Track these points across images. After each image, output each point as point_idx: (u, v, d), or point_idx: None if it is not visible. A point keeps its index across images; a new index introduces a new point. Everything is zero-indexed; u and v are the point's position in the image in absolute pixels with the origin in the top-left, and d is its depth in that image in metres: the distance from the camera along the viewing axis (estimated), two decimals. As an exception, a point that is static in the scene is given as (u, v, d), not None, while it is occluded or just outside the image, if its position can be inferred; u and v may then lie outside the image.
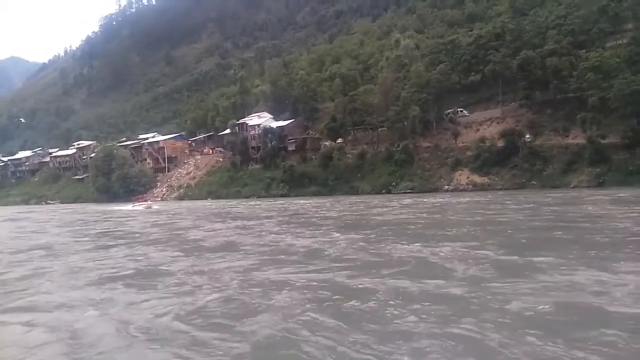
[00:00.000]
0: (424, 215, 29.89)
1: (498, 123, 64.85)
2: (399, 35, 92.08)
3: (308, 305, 9.10)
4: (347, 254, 15.50)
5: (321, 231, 22.69)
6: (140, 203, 67.06)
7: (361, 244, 17.42)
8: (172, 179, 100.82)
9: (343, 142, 78.37)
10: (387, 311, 8.59)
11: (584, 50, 60.53)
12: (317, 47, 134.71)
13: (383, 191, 65.22)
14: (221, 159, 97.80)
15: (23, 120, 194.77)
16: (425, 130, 70.16)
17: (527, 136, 59.34)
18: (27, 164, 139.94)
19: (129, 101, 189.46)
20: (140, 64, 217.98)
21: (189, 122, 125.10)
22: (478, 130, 66.10)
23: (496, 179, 58.93)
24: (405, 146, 68.13)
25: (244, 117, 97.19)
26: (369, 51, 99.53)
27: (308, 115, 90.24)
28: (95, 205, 79.11)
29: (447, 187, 61.44)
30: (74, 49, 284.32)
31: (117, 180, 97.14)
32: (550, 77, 59.01)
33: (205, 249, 18.80)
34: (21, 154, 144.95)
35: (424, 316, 8.24)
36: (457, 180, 61.96)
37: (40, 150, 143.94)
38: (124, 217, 44.52)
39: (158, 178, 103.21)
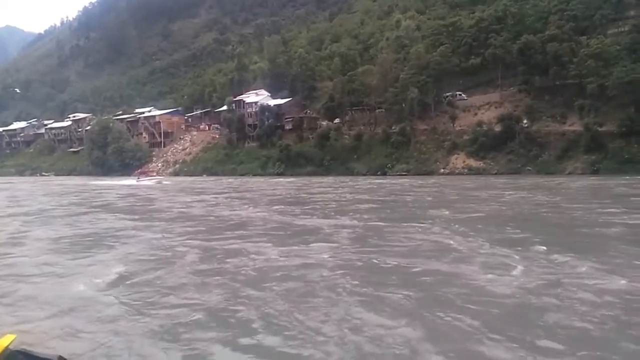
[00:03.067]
0: (352, 195, 32.89)
1: (496, 107, 64.76)
2: (400, 15, 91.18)
3: (195, 265, 11.08)
4: (260, 224, 18.49)
5: (254, 205, 26.80)
6: (150, 177, 63.99)
7: (277, 216, 21.05)
8: (168, 154, 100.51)
9: (340, 123, 78.10)
10: (248, 270, 10.49)
11: (585, 37, 60.25)
12: (317, 25, 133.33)
13: (379, 173, 65.30)
14: (217, 136, 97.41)
15: (18, 91, 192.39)
16: (423, 113, 69.93)
17: (525, 121, 59.36)
18: (21, 134, 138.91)
19: (126, 74, 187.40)
20: (138, 37, 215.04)
21: (185, 97, 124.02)
22: (476, 114, 66.00)
23: (492, 163, 59.08)
24: (403, 128, 67.97)
25: (241, 94, 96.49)
26: (369, 31, 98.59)
27: (306, 94, 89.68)
28: (93, 179, 78.26)
29: (442, 170, 61.59)
30: (71, 19, 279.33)
31: (112, 154, 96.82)
32: (550, 62, 58.85)
33: (156, 218, 21.93)
34: (16, 125, 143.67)
35: (278, 269, 10.50)
36: (453, 163, 62.09)
37: (35, 121, 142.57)
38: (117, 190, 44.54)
39: (154, 153, 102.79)
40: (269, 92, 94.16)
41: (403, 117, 68.98)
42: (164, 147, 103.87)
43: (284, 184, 49.57)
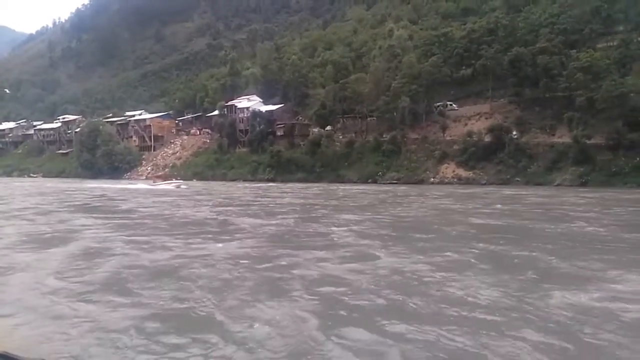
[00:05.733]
0: (297, 200, 37.28)
1: (486, 118, 65.23)
2: (393, 25, 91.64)
3: (127, 259, 13.12)
4: (204, 223, 22.13)
5: (208, 207, 31.22)
6: (168, 182, 61.42)
7: (222, 216, 24.89)
8: (158, 158, 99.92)
9: (332, 130, 78.21)
10: (170, 262, 12.81)
11: (574, 50, 61.04)
12: (310, 32, 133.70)
13: (369, 181, 65.37)
14: (208, 141, 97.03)
15: (7, 91, 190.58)
16: (414, 122, 70.23)
17: (514, 133, 59.77)
18: (10, 135, 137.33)
19: (117, 77, 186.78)
20: (130, 40, 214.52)
21: (177, 101, 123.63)
22: (466, 124, 66.43)
23: (481, 173, 59.41)
24: (394, 137, 68.25)
25: (233, 100, 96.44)
26: (362, 39, 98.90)
27: (298, 101, 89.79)
28: (96, 182, 76.10)
29: (432, 179, 61.84)
30: (63, 21, 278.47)
31: (101, 157, 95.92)
32: (541, 75, 59.45)
33: (128, 217, 24.99)
34: (4, 125, 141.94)
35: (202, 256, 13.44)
36: (442, 173, 62.37)
37: (25, 122, 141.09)
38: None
39: (143, 156, 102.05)
40: (261, 98, 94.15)
41: (394, 126, 69.27)
42: (154, 150, 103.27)
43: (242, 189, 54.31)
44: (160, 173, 72.62)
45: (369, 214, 25.59)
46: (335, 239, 16.79)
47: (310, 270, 11.82)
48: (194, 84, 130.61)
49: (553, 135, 57.94)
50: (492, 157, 59.56)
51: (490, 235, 17.94)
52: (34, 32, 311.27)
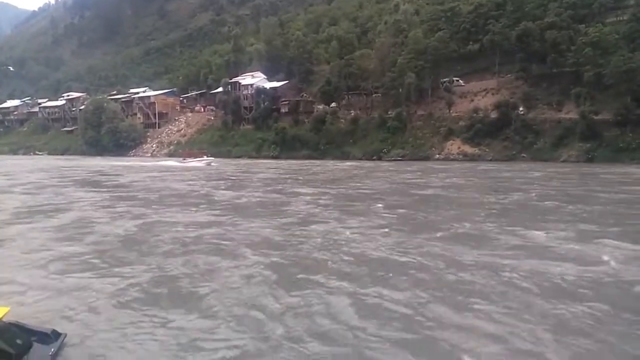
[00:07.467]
0: (277, 174, 40.01)
1: (493, 94, 64.62)
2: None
3: (118, 229, 14.36)
4: (186, 196, 24.05)
5: (195, 181, 33.18)
6: (198, 159, 59.71)
7: (209, 188, 27.52)
8: (163, 135, 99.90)
9: (336, 107, 77.76)
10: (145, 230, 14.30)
11: (583, 25, 59.98)
12: (315, 7, 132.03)
13: (374, 157, 65.29)
14: (212, 118, 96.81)
15: (12, 69, 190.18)
16: (420, 98, 69.72)
17: (521, 109, 59.30)
18: (15, 113, 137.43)
19: (120, 54, 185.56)
20: (133, 16, 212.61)
21: (181, 78, 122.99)
22: (472, 100, 65.90)
23: (487, 150, 59.17)
24: (399, 113, 67.86)
25: (237, 76, 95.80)
26: (367, 14, 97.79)
27: (302, 78, 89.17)
28: (98, 159, 76.42)
29: (438, 156, 61.68)
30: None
31: (106, 134, 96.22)
32: (548, 50, 58.60)
33: (119, 190, 26.89)
34: (9, 103, 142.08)
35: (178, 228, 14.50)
36: (448, 149, 62.16)
37: (29, 100, 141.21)
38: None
39: (148, 134, 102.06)
40: (265, 74, 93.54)
41: (400, 102, 68.79)
42: (158, 128, 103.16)
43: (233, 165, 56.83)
44: (189, 151, 70.79)
45: (332, 186, 27.82)
46: (287, 208, 18.65)
47: (257, 234, 13.43)
48: (197, 61, 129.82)
49: (560, 111, 57.44)
50: (498, 134, 59.24)
51: (423, 203, 20.39)
52: (36, 8, 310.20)
